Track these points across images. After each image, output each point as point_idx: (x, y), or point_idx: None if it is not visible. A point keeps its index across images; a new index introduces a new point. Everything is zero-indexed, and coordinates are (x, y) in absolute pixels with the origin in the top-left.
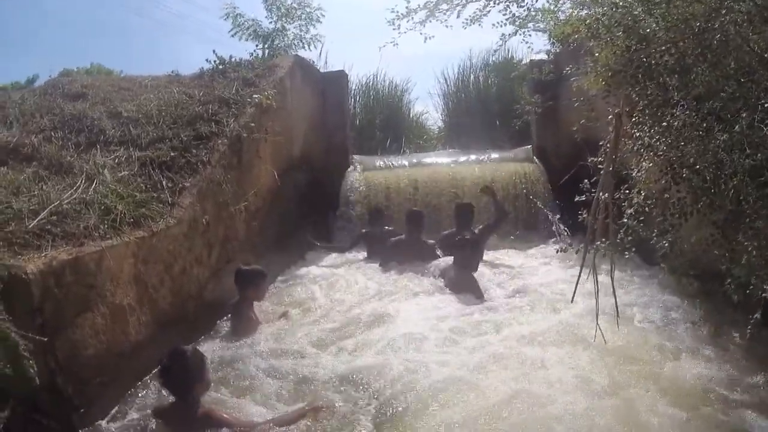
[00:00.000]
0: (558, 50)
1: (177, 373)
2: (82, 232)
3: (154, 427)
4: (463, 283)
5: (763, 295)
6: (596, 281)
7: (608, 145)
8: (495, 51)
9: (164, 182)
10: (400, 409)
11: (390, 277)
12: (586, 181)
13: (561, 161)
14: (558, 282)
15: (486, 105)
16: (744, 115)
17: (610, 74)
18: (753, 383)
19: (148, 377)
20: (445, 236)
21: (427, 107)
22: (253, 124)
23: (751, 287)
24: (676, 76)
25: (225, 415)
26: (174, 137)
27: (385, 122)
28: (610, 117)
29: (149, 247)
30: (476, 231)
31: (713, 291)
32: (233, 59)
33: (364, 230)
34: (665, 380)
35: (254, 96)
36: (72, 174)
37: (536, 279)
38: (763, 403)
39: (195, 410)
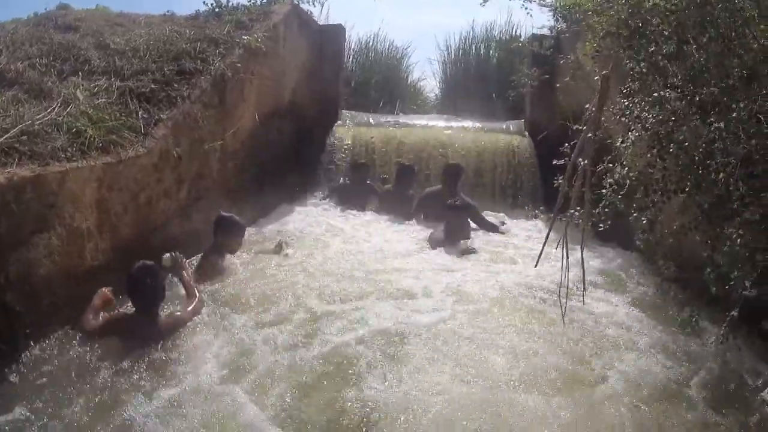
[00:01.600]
0: (560, 27)
1: (147, 287)
2: (50, 152)
3: (103, 344)
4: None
5: (743, 292)
6: (566, 249)
7: (593, 108)
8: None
9: (140, 113)
10: None
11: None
12: (566, 144)
13: (552, 137)
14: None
15: (484, 77)
16: (742, 105)
17: (602, 35)
18: (723, 384)
19: None
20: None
21: (426, 74)
22: (239, 65)
23: (732, 282)
24: (673, 45)
25: (178, 314)
26: (157, 70)
27: (382, 83)
28: (596, 78)
29: (115, 174)
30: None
31: (691, 279)
32: (230, 3)
33: (342, 181)
34: (625, 368)
35: (243, 37)
36: (50, 98)
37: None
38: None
39: (156, 321)
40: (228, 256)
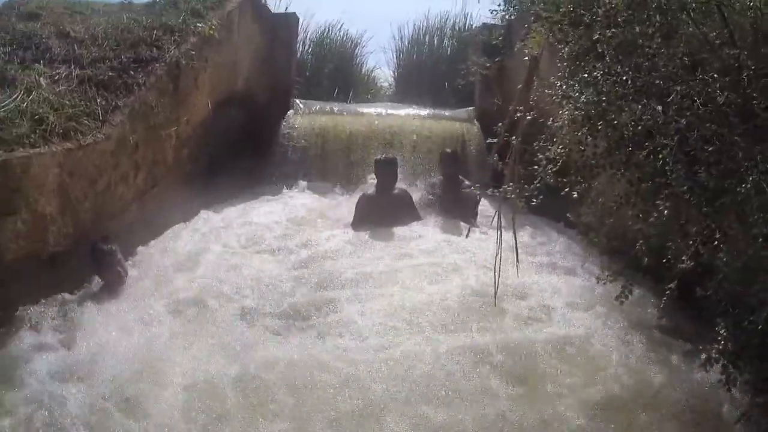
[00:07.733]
0: (512, 17)
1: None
2: (14, 138)
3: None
4: None
5: (681, 266)
6: (500, 225)
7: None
8: None
9: (99, 100)
10: None
11: None
12: (500, 124)
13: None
14: None
15: (437, 66)
16: (678, 89)
17: (532, 20)
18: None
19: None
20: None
21: (380, 63)
22: (193, 53)
23: (669, 257)
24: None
25: None
26: (114, 58)
27: (335, 72)
28: (525, 59)
29: (75, 160)
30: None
31: (622, 250)
32: None
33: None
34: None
35: (198, 25)
36: (14, 86)
37: None
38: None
39: None
40: None
